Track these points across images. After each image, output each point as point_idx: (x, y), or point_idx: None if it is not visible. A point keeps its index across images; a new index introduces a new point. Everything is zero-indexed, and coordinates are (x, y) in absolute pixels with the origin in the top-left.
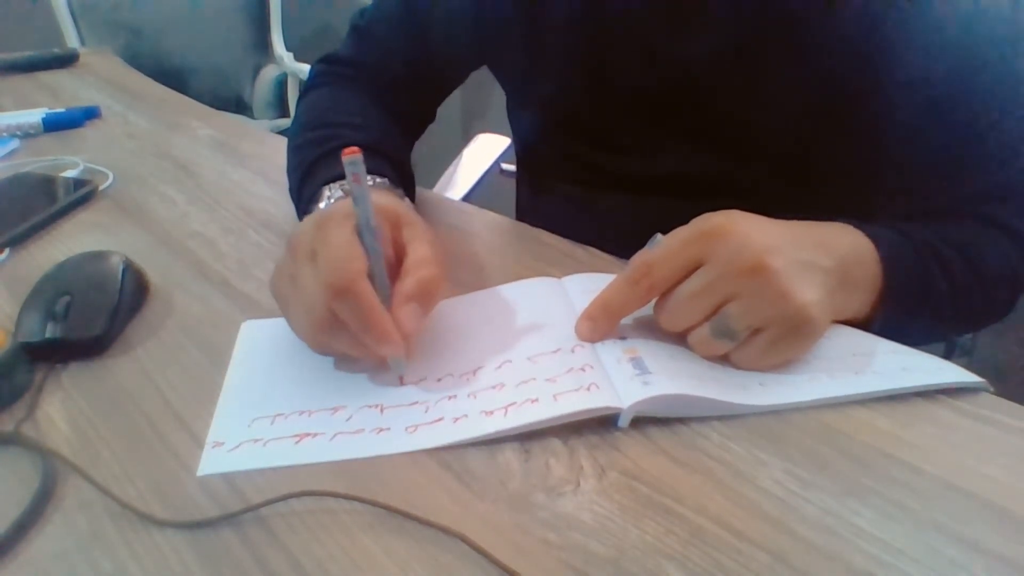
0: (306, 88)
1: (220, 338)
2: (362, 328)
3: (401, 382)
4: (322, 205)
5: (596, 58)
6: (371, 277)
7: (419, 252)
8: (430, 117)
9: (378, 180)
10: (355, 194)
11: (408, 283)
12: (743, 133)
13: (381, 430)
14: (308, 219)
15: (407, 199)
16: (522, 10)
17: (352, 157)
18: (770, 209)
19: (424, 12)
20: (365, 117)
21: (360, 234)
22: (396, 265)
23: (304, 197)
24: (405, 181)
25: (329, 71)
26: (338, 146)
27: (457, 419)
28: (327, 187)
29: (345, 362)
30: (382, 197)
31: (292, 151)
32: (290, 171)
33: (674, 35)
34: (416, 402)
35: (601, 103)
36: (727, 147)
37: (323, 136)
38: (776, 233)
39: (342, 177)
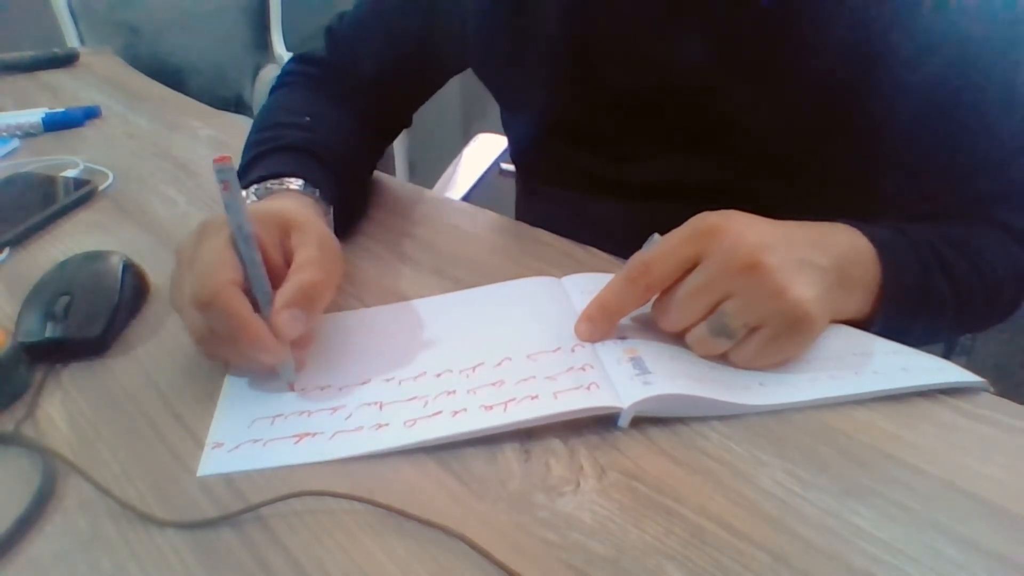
0: (272, 87)
1: None
2: (234, 337)
3: (291, 389)
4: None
5: (586, 63)
6: (249, 285)
7: (303, 255)
8: (406, 122)
9: (293, 184)
10: (225, 202)
11: (286, 288)
12: (737, 137)
13: (380, 426)
14: (196, 228)
15: (323, 203)
16: (507, 18)
17: (221, 165)
18: (767, 212)
19: (400, 19)
20: (315, 118)
21: (234, 243)
22: (286, 270)
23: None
24: (345, 182)
25: (297, 71)
26: (272, 148)
27: (456, 413)
28: (250, 188)
29: (341, 362)
30: (279, 201)
31: (245, 149)
32: (240, 167)
33: (665, 39)
34: (415, 397)
35: (592, 109)
36: (722, 151)
37: (265, 137)
38: (772, 231)
39: (267, 179)
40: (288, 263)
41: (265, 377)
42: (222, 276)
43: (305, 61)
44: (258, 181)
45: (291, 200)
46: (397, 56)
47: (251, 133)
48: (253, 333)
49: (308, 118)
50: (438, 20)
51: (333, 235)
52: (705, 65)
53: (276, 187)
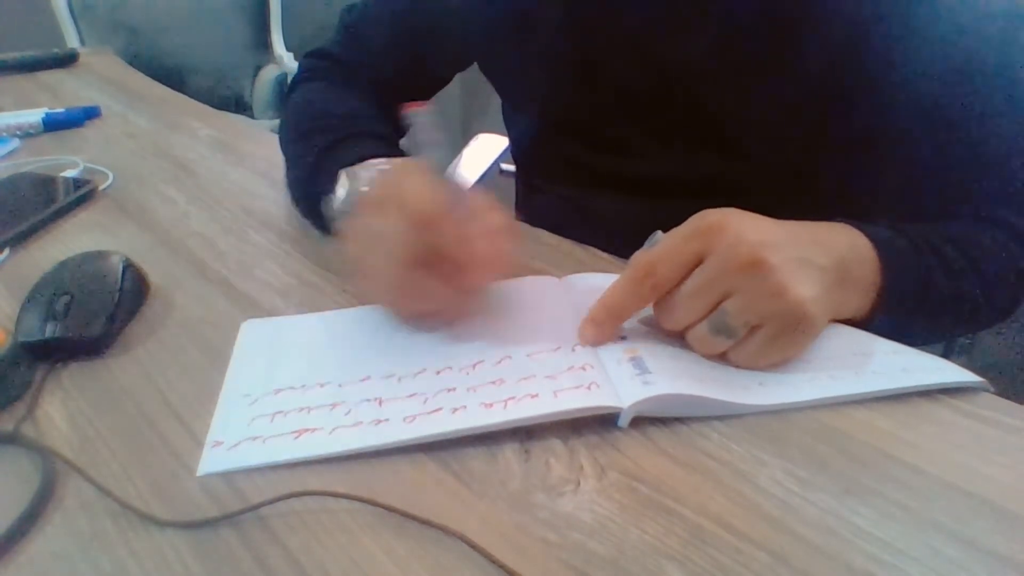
0: (296, 81)
1: (220, 338)
2: (454, 252)
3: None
4: (349, 184)
5: (588, 59)
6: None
7: (485, 201)
8: None
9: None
10: (428, 143)
11: (484, 221)
12: (737, 134)
13: (379, 422)
14: (377, 180)
15: None
16: (513, 12)
17: (418, 110)
18: (766, 210)
19: (413, 13)
20: (364, 110)
21: (437, 177)
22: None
23: (320, 177)
24: None
25: (319, 67)
26: (352, 133)
27: (456, 410)
28: (350, 169)
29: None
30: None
31: (298, 138)
32: (296, 157)
33: (667, 36)
34: (415, 394)
35: (594, 104)
36: (721, 148)
37: (334, 124)
38: (773, 230)
39: (358, 162)
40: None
41: (265, 376)
42: (441, 197)
43: (323, 57)
44: (358, 162)
45: None
46: (410, 51)
47: (302, 119)
48: (473, 248)
49: (363, 110)
50: (446, 17)
51: None
52: (706, 62)
53: (384, 166)
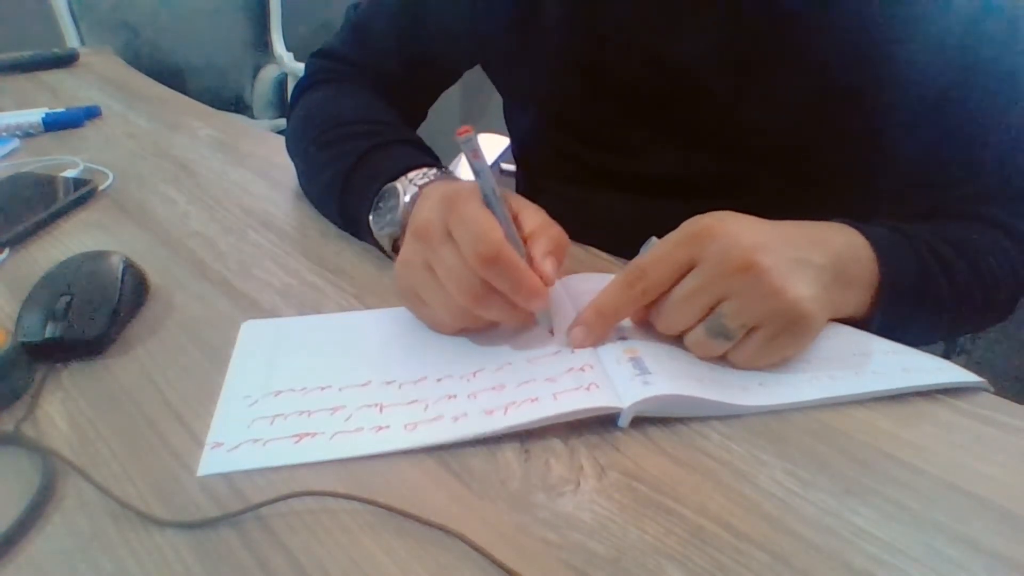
0: (306, 83)
1: (220, 338)
2: (514, 290)
3: (551, 334)
4: (406, 199)
5: (591, 57)
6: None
7: (537, 217)
8: (422, 115)
9: (439, 171)
10: (477, 169)
11: (541, 241)
12: (739, 132)
13: (380, 428)
14: (427, 205)
15: None
16: (516, 9)
17: (468, 136)
18: (767, 209)
19: (420, 11)
20: (387, 114)
21: (489, 205)
22: (517, 234)
23: (357, 191)
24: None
25: (328, 67)
26: (389, 141)
27: (457, 418)
28: (397, 183)
29: (343, 363)
30: (457, 181)
31: (322, 146)
32: (320, 165)
33: (669, 34)
34: (415, 400)
35: (596, 102)
36: (723, 146)
37: (365, 131)
38: (767, 232)
39: (404, 172)
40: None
41: (265, 377)
42: (498, 233)
43: (331, 57)
44: (402, 173)
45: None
46: (417, 50)
47: (328, 128)
48: (532, 282)
49: (387, 115)
50: (452, 14)
51: None
52: (708, 60)
53: (432, 175)
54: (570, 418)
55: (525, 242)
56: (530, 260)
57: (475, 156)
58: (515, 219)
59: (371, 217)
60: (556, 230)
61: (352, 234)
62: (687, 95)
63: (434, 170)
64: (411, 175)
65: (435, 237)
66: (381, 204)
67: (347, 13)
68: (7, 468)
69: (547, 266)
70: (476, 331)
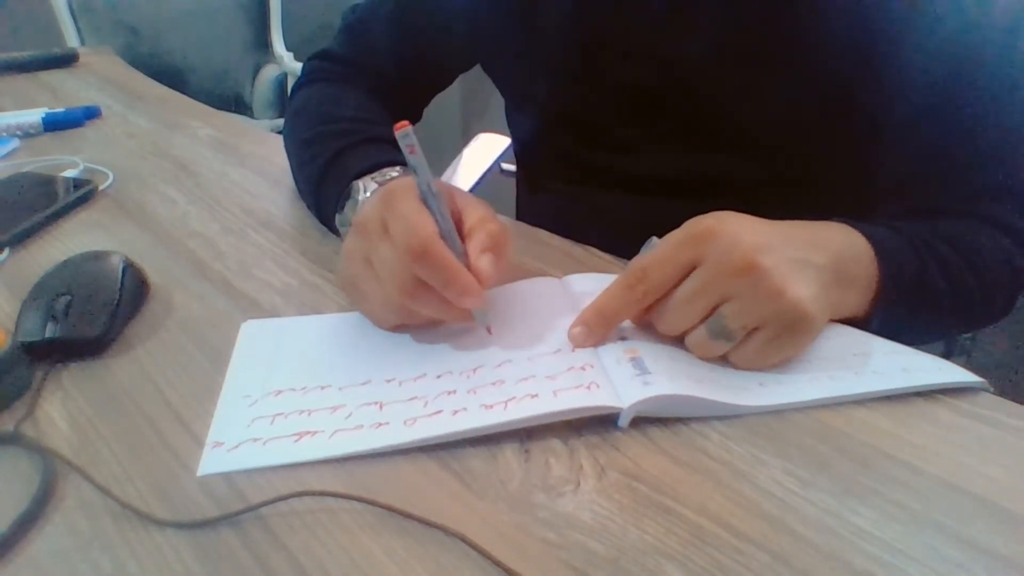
0: (300, 83)
1: (220, 338)
2: (444, 284)
3: (490, 332)
4: (360, 198)
5: (591, 57)
6: (442, 239)
7: (479, 212)
8: (418, 116)
9: (400, 169)
10: (413, 164)
11: (479, 237)
12: (739, 132)
13: (380, 425)
14: (369, 200)
15: None
16: (516, 10)
17: (405, 130)
18: (767, 208)
19: (415, 13)
20: (371, 112)
21: (425, 201)
22: (456, 231)
23: (328, 190)
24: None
25: (322, 68)
26: (360, 140)
27: (456, 412)
28: (359, 181)
29: (342, 362)
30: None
31: (303, 143)
32: (301, 163)
33: (669, 34)
34: (415, 397)
35: (596, 102)
36: (724, 146)
37: (341, 130)
38: (767, 232)
39: (371, 170)
40: (457, 224)
41: (265, 377)
42: (428, 227)
43: (327, 59)
44: (365, 173)
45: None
46: (413, 51)
47: (307, 124)
48: (464, 278)
49: (368, 113)
50: (449, 15)
51: None
52: (708, 59)
53: (393, 174)
54: (569, 416)
55: (466, 238)
56: (467, 257)
57: (411, 152)
58: (458, 215)
59: (336, 216)
60: (496, 226)
61: (332, 232)
62: (687, 95)
63: (397, 169)
64: (374, 174)
65: (373, 232)
66: (346, 202)
67: (343, 14)
68: (7, 468)
69: (483, 263)
70: (416, 328)
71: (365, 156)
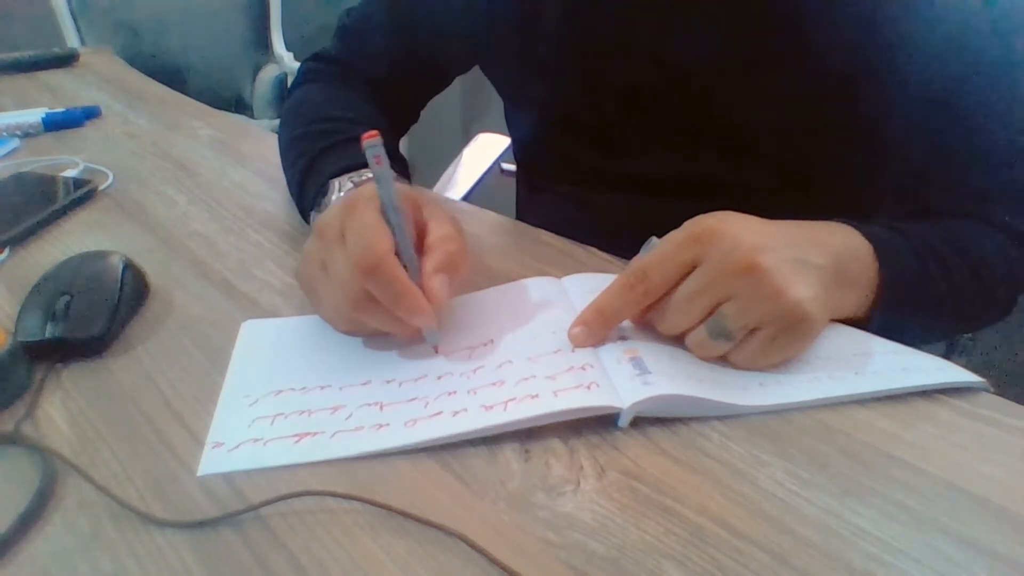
0: (295, 84)
1: (220, 338)
2: (393, 302)
3: (436, 351)
4: (333, 198)
5: (590, 58)
6: (398, 254)
7: (442, 228)
8: (414, 118)
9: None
10: (377, 176)
11: (435, 256)
12: (740, 133)
13: (380, 426)
14: (334, 205)
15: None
16: (514, 12)
17: (372, 141)
18: (768, 209)
19: (411, 14)
20: (360, 112)
21: (385, 214)
22: (418, 244)
23: (309, 189)
24: (403, 173)
25: (317, 69)
26: (342, 139)
27: (456, 413)
28: (336, 180)
29: (343, 363)
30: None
31: (290, 143)
32: (289, 163)
33: (669, 35)
34: (415, 398)
35: (596, 103)
36: (724, 147)
37: (325, 129)
38: (768, 232)
39: (349, 170)
40: (420, 237)
41: (265, 377)
42: (382, 244)
43: (322, 60)
44: (343, 172)
45: (400, 184)
46: (408, 53)
47: (296, 123)
48: (413, 297)
49: (356, 113)
50: (446, 17)
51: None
52: (708, 60)
53: (370, 174)
54: (570, 416)
55: (424, 254)
56: (421, 274)
57: (377, 162)
58: (423, 228)
59: (312, 213)
60: (454, 245)
61: None
62: (687, 95)
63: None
64: (352, 173)
65: (330, 238)
66: (322, 200)
67: (340, 17)
68: (7, 468)
69: (435, 283)
70: (368, 335)
71: (344, 155)
